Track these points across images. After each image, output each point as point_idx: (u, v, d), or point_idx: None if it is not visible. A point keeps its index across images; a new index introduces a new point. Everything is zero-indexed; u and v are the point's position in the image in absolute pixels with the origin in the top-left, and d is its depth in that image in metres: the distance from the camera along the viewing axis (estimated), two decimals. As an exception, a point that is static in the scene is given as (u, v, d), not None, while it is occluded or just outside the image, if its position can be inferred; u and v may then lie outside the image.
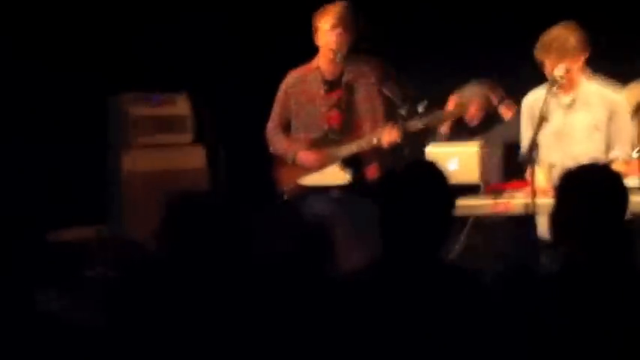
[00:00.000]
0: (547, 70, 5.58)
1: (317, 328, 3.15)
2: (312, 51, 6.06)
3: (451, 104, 6.70)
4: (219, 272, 3.17)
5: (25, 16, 6.99)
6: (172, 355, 3.13)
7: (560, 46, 5.51)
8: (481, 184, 5.80)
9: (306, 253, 3.30)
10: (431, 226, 3.23)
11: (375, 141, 5.85)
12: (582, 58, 5.61)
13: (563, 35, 5.54)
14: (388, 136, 5.80)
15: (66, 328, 3.23)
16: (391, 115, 6.26)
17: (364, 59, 6.00)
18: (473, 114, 7.07)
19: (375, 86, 5.99)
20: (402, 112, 5.71)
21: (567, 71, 5.53)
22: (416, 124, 5.80)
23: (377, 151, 5.90)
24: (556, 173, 5.13)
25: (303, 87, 6.04)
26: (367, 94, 6.02)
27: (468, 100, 7.07)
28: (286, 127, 6.11)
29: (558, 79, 5.51)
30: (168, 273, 3.22)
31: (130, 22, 7.45)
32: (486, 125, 6.79)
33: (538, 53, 5.58)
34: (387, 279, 3.19)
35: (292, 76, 6.09)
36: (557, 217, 3.36)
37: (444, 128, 6.89)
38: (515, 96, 6.16)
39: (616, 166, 5.50)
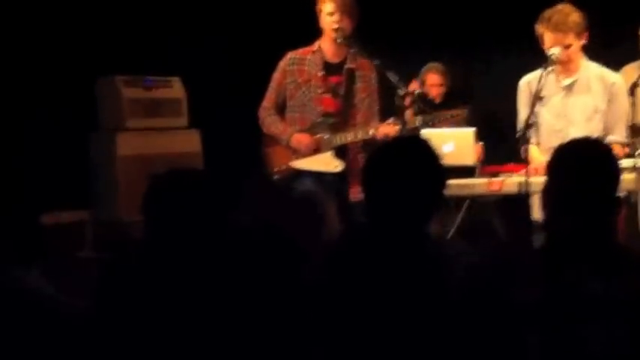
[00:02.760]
0: (545, 44, 5.58)
1: (294, 300, 3.15)
2: (309, 34, 6.05)
3: (412, 86, 6.79)
4: (202, 245, 3.16)
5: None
6: (161, 334, 3.12)
7: (562, 19, 5.53)
8: (477, 166, 5.81)
9: (295, 223, 3.29)
10: (417, 199, 3.20)
11: (371, 133, 5.84)
12: (581, 39, 5.62)
13: (565, 10, 5.58)
14: (385, 130, 5.79)
15: (55, 310, 3.23)
16: (390, 102, 6.28)
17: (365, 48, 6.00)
18: (429, 90, 7.44)
19: (375, 77, 6.00)
20: (400, 92, 5.71)
21: (566, 47, 5.54)
22: (414, 122, 5.80)
23: (369, 142, 5.89)
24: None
25: (301, 67, 6.03)
26: (366, 84, 6.02)
27: (421, 78, 7.48)
28: (281, 108, 6.09)
29: (554, 57, 5.52)
30: (154, 253, 3.21)
31: (124, 3, 7.44)
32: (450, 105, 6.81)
33: (539, 26, 5.58)
34: (368, 250, 3.18)
35: (291, 56, 6.07)
36: (548, 192, 3.35)
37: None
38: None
39: (615, 150, 5.51)
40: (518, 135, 5.55)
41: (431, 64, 7.65)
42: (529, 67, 5.82)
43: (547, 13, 5.59)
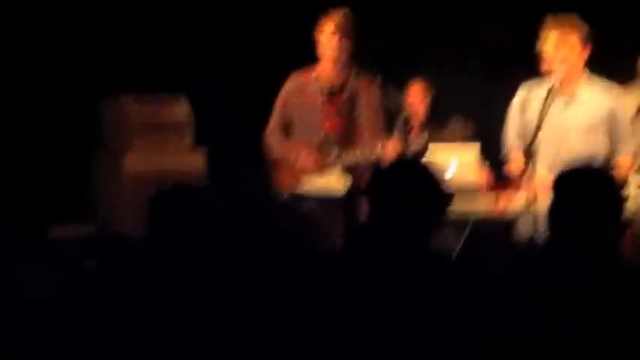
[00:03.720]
0: (550, 49, 5.57)
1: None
2: (313, 55, 6.08)
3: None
4: (204, 259, 3.19)
5: (20, 13, 6.99)
6: (160, 347, 3.14)
7: (568, 18, 5.56)
8: (480, 183, 5.81)
9: (294, 241, 3.32)
10: (418, 220, 3.25)
11: (378, 152, 5.87)
12: (585, 47, 5.62)
13: (570, 16, 5.61)
14: (390, 149, 5.82)
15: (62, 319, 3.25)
16: (390, 125, 6.30)
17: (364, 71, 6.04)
18: (416, 102, 7.32)
19: (377, 96, 6.03)
20: (402, 117, 5.73)
21: (568, 51, 5.54)
22: (419, 141, 5.82)
23: (376, 160, 5.91)
24: (550, 171, 5.19)
25: (305, 90, 6.07)
26: (369, 103, 6.04)
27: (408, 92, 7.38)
28: (285, 131, 6.12)
29: (559, 77, 5.53)
30: (156, 266, 3.24)
31: (126, 25, 7.47)
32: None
33: (545, 30, 5.58)
34: (369, 266, 3.21)
35: (294, 80, 6.12)
36: (552, 215, 3.37)
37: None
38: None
39: (624, 161, 5.54)
40: (505, 148, 5.62)
41: (413, 80, 7.60)
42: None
43: (554, 15, 5.61)
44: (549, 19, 5.60)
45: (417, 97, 7.54)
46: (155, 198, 3.36)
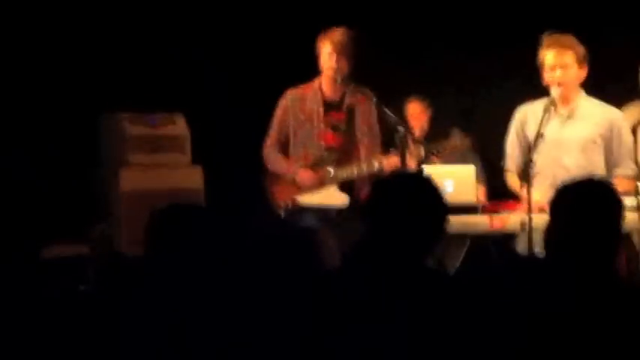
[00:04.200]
0: (548, 67, 5.58)
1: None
2: (309, 71, 6.10)
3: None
4: (202, 279, 3.19)
5: (18, 30, 6.99)
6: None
7: (564, 37, 5.57)
8: (478, 204, 5.80)
9: (293, 259, 3.31)
10: (417, 234, 3.23)
11: (376, 166, 5.88)
12: (581, 67, 5.63)
13: (567, 35, 5.61)
14: (390, 162, 5.81)
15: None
16: (389, 138, 6.32)
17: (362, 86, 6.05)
18: (415, 119, 7.41)
19: (374, 110, 6.04)
20: (401, 129, 5.73)
21: (564, 68, 5.54)
22: (419, 153, 5.83)
23: (375, 175, 5.92)
24: (548, 187, 5.19)
25: (302, 105, 6.09)
26: (367, 118, 6.08)
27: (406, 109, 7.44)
28: (283, 145, 6.14)
29: (555, 96, 5.54)
30: (155, 287, 3.24)
31: (125, 40, 7.48)
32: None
33: (544, 49, 5.60)
34: (367, 283, 3.20)
35: (292, 94, 6.14)
36: (551, 232, 3.36)
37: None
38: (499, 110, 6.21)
39: (619, 183, 5.53)
40: (505, 166, 5.64)
41: (412, 96, 7.62)
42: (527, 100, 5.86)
43: (550, 36, 5.62)
44: (545, 40, 5.61)
45: (415, 114, 7.56)
46: (153, 217, 3.34)
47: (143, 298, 3.23)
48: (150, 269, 3.24)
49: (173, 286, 3.20)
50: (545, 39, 5.62)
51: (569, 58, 5.58)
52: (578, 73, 5.64)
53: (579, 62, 5.62)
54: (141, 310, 3.20)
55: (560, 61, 5.57)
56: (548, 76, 5.60)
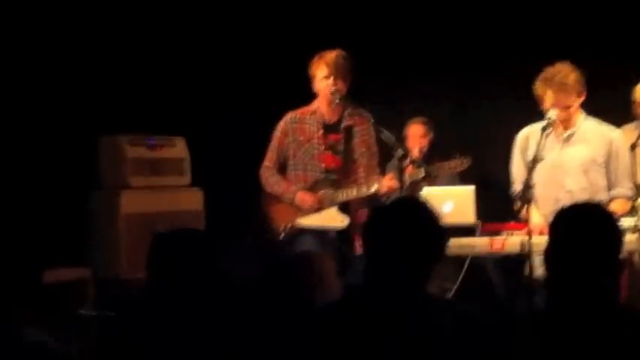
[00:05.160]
0: (546, 104, 5.61)
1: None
2: (308, 94, 6.12)
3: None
4: (203, 304, 3.18)
5: (17, 53, 7.01)
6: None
7: (562, 80, 5.57)
8: (477, 225, 5.81)
9: (292, 284, 3.31)
10: (416, 259, 3.23)
11: (375, 188, 5.89)
12: (580, 98, 5.65)
13: (564, 71, 5.61)
14: (388, 184, 5.83)
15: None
16: (387, 159, 6.35)
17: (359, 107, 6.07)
18: (411, 142, 7.46)
19: (372, 132, 6.06)
20: (400, 152, 5.75)
21: (566, 109, 5.57)
22: (417, 174, 5.84)
23: (372, 197, 5.93)
24: (551, 209, 5.19)
25: (301, 126, 6.11)
26: (364, 139, 6.09)
27: (406, 127, 7.53)
28: (282, 167, 6.15)
29: (551, 120, 5.56)
30: (156, 311, 3.23)
31: (126, 64, 7.50)
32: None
33: (538, 87, 5.62)
34: (371, 311, 3.19)
35: (291, 116, 6.16)
36: (550, 254, 3.36)
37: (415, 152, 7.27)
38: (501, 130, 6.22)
39: (617, 204, 5.55)
40: (513, 193, 5.62)
41: (414, 118, 7.66)
42: (525, 121, 5.87)
43: (548, 73, 5.62)
44: (545, 79, 5.60)
45: (416, 135, 7.58)
46: (155, 242, 3.33)
47: (145, 324, 3.23)
48: (152, 294, 3.23)
49: (174, 312, 3.20)
50: (546, 77, 5.61)
51: (569, 98, 5.60)
52: (577, 102, 5.67)
53: (579, 94, 5.64)
54: (144, 335, 3.20)
55: (559, 102, 5.58)
56: (549, 115, 5.60)
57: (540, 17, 7.54)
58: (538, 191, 5.60)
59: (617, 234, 3.35)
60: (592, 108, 5.82)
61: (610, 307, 3.23)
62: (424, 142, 7.60)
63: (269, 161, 6.18)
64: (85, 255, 6.96)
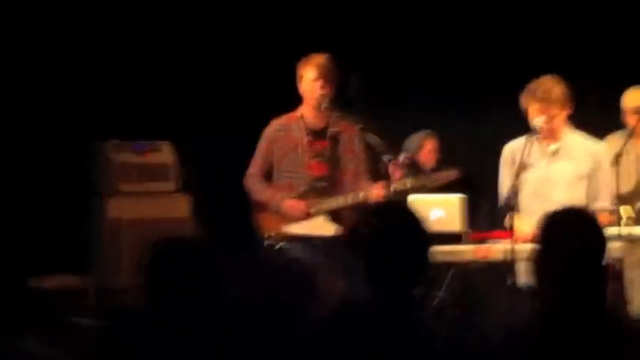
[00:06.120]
0: (530, 116, 5.66)
1: None
2: (293, 101, 6.13)
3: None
4: (196, 317, 3.19)
5: (6, 61, 7.02)
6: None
7: (546, 95, 5.60)
8: (464, 233, 5.84)
9: (287, 295, 3.31)
10: (403, 266, 3.26)
11: (362, 197, 5.89)
12: (565, 111, 5.70)
13: (548, 85, 5.63)
14: (376, 192, 5.84)
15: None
16: (374, 164, 6.35)
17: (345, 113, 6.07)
18: (426, 155, 7.44)
19: (359, 138, 6.06)
20: (386, 158, 5.76)
21: (550, 120, 5.61)
22: (404, 184, 5.85)
23: (361, 204, 5.94)
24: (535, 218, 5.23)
25: (286, 134, 6.08)
26: (351, 146, 6.09)
27: (418, 143, 7.47)
28: (267, 175, 6.14)
29: (538, 128, 5.59)
30: (150, 321, 3.24)
31: (114, 71, 7.51)
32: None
33: (523, 100, 5.66)
34: (358, 318, 3.22)
35: (276, 124, 6.13)
36: (536, 261, 3.38)
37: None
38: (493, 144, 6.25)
39: (601, 217, 5.58)
40: (501, 205, 5.65)
41: (428, 131, 7.68)
42: (513, 133, 5.90)
43: (532, 85, 5.66)
44: (529, 91, 5.65)
45: (433, 149, 7.57)
46: (147, 252, 3.33)
47: (139, 333, 3.23)
48: (148, 304, 3.23)
49: (171, 322, 3.20)
50: (530, 90, 5.65)
51: (552, 112, 5.63)
52: (563, 116, 5.71)
53: (563, 107, 5.68)
54: (138, 344, 3.20)
55: (544, 114, 5.62)
56: (534, 123, 5.64)
57: (542, 31, 7.56)
58: (526, 205, 5.66)
59: (601, 238, 3.38)
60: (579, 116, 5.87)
61: (596, 313, 3.26)
62: (436, 157, 7.62)
63: (254, 169, 6.15)
64: (75, 262, 6.97)
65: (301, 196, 6.03)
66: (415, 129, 7.64)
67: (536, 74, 5.75)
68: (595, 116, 6.45)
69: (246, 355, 3.15)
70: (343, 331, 3.22)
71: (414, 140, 7.61)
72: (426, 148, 7.61)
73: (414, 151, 7.45)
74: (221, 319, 3.19)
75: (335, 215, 6.00)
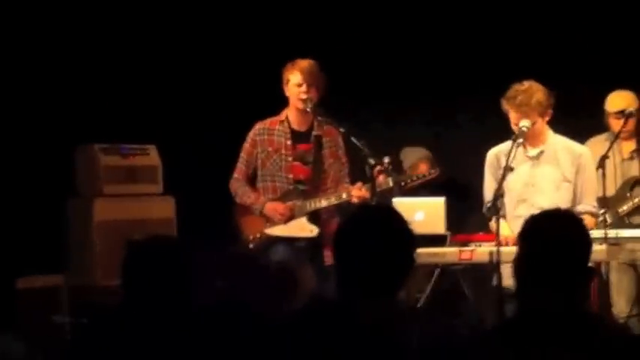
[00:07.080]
0: (512, 120, 5.67)
1: None
2: (279, 103, 6.14)
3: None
4: (176, 313, 3.19)
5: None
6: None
7: (525, 101, 5.60)
8: (447, 235, 5.85)
9: (269, 294, 3.31)
10: (387, 267, 3.23)
11: (344, 197, 5.91)
12: (545, 116, 5.70)
13: (528, 91, 5.63)
14: (358, 192, 5.85)
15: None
16: (359, 166, 6.35)
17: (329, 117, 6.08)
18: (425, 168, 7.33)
19: (340, 142, 6.09)
20: (371, 161, 5.76)
21: (532, 125, 5.62)
22: (387, 183, 5.86)
23: (342, 205, 5.96)
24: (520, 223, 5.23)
25: (270, 137, 6.11)
26: (333, 150, 6.13)
27: (416, 162, 7.37)
28: (251, 178, 6.16)
29: (524, 129, 5.60)
30: (130, 319, 3.23)
31: (100, 74, 7.51)
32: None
33: (504, 103, 5.67)
34: (342, 322, 3.20)
35: (260, 126, 6.15)
36: (519, 262, 3.37)
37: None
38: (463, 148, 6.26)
39: (586, 220, 5.59)
40: (485, 208, 5.65)
41: (423, 151, 7.61)
42: (498, 136, 5.92)
43: (512, 91, 5.65)
44: (509, 97, 5.65)
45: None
46: (129, 250, 3.33)
47: (119, 332, 3.22)
48: (126, 302, 3.23)
49: (148, 320, 3.20)
50: (510, 96, 5.65)
51: (531, 118, 5.63)
52: (543, 121, 5.71)
53: (543, 114, 5.68)
54: (117, 343, 3.19)
55: (524, 117, 5.62)
56: (520, 127, 5.64)
57: (519, 37, 7.57)
58: (511, 209, 5.67)
59: (587, 239, 3.37)
60: (561, 119, 5.88)
61: (580, 315, 3.26)
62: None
63: (238, 172, 6.18)
64: (59, 262, 6.96)
65: (283, 199, 6.06)
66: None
67: (510, 77, 5.77)
68: (576, 119, 6.43)
69: (219, 353, 3.15)
70: (311, 328, 3.21)
71: (409, 158, 7.56)
72: (419, 169, 7.52)
73: (407, 168, 7.41)
74: (195, 318, 3.19)
75: (317, 217, 6.01)
